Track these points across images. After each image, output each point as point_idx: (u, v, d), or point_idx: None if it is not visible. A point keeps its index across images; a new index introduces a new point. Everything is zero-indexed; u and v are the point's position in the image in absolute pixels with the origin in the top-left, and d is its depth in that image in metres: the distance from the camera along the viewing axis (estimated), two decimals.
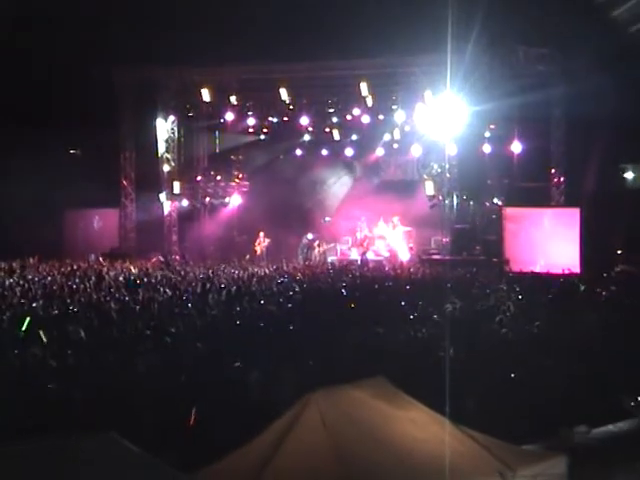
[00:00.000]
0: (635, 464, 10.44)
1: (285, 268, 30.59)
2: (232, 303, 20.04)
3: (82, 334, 15.28)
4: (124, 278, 25.38)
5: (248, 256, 36.10)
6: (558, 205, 34.44)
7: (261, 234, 37.32)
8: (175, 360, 14.01)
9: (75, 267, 29.02)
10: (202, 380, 13.16)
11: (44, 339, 14.53)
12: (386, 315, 18.19)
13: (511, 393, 13.57)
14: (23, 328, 14.89)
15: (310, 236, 37.96)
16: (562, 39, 30.22)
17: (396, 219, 36.95)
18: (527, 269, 30.18)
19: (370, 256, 36.21)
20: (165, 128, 38.00)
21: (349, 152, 40.25)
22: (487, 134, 35.43)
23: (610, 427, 12.69)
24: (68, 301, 19.82)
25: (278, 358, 13.95)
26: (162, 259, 33.38)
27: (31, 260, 30.18)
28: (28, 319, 15.08)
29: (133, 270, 28.39)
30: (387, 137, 38.93)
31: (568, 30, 29.03)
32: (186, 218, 39.10)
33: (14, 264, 28.61)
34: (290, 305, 20.20)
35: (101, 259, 33.13)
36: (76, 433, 7.29)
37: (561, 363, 14.75)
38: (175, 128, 38.38)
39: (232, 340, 15.54)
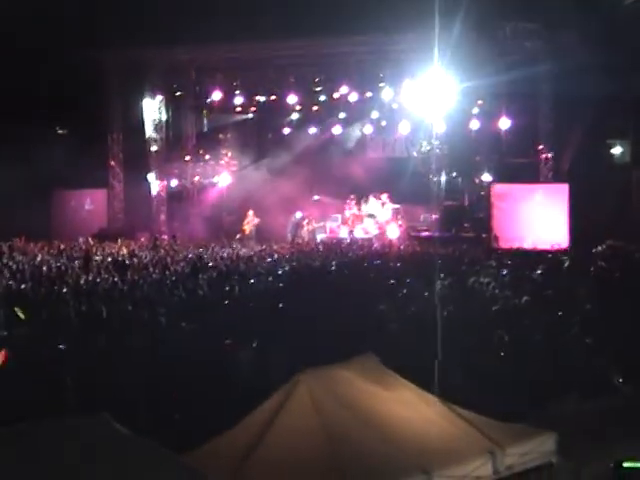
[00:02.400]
0: (623, 441, 10.50)
1: (274, 247, 30.57)
2: (221, 283, 20.05)
3: (72, 315, 15.29)
4: (113, 259, 25.33)
5: (239, 235, 36.11)
6: (546, 181, 34.44)
7: (250, 213, 37.21)
8: (165, 340, 14.03)
9: (63, 248, 28.95)
10: (192, 360, 13.19)
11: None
12: (375, 293, 18.25)
13: (501, 369, 13.64)
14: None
15: (299, 215, 37.87)
16: (549, 15, 30.14)
17: (385, 196, 36.91)
18: (516, 245, 30.24)
19: (359, 234, 36.21)
20: (152, 108, 37.80)
21: (337, 130, 40.16)
22: (475, 110, 35.38)
23: (597, 403, 12.76)
24: (57, 282, 19.80)
25: (268, 337, 13.99)
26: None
27: (18, 241, 30.09)
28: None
29: (123, 251, 28.30)
30: (375, 115, 38.85)
31: (555, 6, 28.97)
32: (175, 198, 38.97)
33: (2, 246, 28.49)
34: (279, 284, 20.23)
35: (90, 240, 33.01)
36: (67, 415, 7.32)
37: (550, 338, 14.84)
38: (163, 108, 38.18)
39: (222, 320, 15.57)
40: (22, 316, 14.62)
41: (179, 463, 7.36)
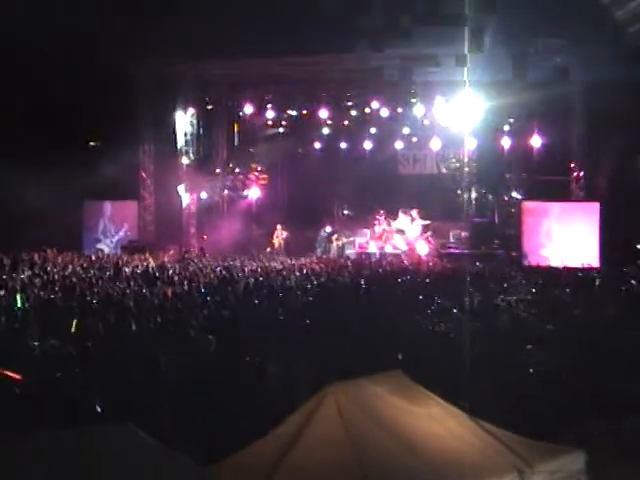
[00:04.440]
0: None
1: (303, 261, 30.60)
2: (250, 296, 20.06)
3: (100, 328, 15.32)
4: (142, 271, 25.45)
5: (269, 249, 36.27)
6: (578, 199, 34.29)
7: (278, 227, 37.38)
8: (194, 353, 14.02)
9: (94, 259, 29.12)
10: (221, 373, 13.18)
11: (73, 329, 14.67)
12: (404, 309, 18.19)
13: (531, 387, 13.54)
14: (18, 305, 14.96)
15: (328, 229, 38.00)
16: (580, 30, 30.02)
17: (415, 212, 36.89)
18: (545, 263, 30.11)
19: (388, 250, 36.21)
20: (184, 121, 38.06)
21: (368, 145, 40.21)
22: (506, 128, 35.35)
23: (630, 422, 12.62)
24: (87, 293, 19.88)
25: (295, 351, 13.96)
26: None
27: (50, 252, 30.30)
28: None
29: (152, 263, 28.43)
30: (406, 131, 38.91)
31: (586, 21, 28.85)
32: (205, 211, 39.14)
33: (35, 256, 28.69)
34: (308, 298, 20.22)
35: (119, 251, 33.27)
36: (93, 424, 7.32)
37: (581, 357, 14.70)
38: (194, 121, 38.44)
39: (250, 333, 15.56)
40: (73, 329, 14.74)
41: (203, 473, 7.35)
